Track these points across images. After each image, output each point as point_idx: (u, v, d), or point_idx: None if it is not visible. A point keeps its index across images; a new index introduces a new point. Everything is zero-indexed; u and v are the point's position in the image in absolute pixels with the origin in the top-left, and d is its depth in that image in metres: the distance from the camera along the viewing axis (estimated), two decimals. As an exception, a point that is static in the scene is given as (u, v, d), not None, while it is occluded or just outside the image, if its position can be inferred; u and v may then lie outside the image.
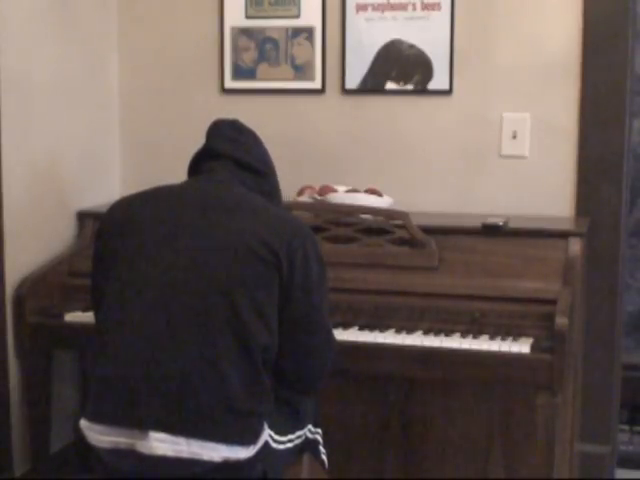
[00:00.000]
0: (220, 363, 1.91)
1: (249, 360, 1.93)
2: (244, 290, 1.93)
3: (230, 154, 2.15)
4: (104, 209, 2.20)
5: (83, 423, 1.97)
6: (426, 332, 2.53)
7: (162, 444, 1.89)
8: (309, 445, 2.23)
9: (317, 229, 2.75)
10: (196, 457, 1.90)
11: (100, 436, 1.94)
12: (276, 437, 2.04)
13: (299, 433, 2.16)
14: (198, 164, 2.20)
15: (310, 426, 2.24)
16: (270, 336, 1.97)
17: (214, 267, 1.95)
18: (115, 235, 2.06)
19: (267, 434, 2.00)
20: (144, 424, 1.90)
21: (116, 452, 1.94)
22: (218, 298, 1.93)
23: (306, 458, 2.22)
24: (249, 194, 2.10)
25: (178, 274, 1.95)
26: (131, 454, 1.92)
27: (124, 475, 1.96)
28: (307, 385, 2.16)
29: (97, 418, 1.95)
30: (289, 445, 2.11)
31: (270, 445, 2.02)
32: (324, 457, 2.29)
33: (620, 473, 3.27)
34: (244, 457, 1.93)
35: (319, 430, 2.29)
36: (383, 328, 2.56)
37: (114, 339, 1.96)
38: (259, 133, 2.28)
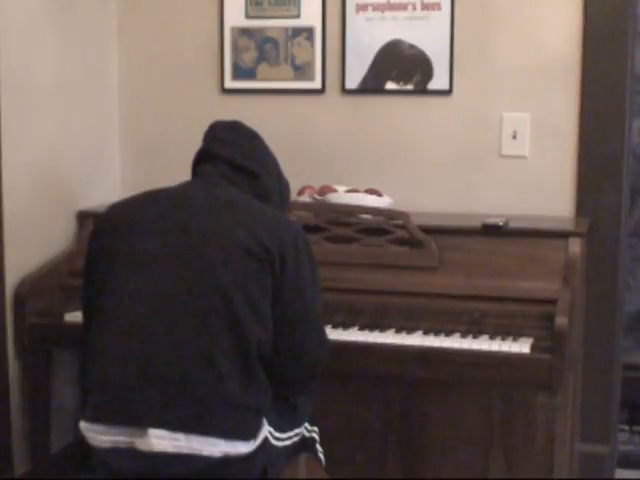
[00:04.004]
0: (216, 358, 1.92)
1: (245, 355, 1.95)
2: (238, 286, 1.95)
3: (223, 156, 2.17)
4: (104, 209, 2.20)
5: (83, 425, 1.98)
6: (426, 332, 2.53)
7: (161, 441, 1.90)
8: (306, 443, 2.25)
9: (317, 229, 2.76)
10: (196, 452, 1.91)
11: (100, 436, 1.95)
12: (276, 434, 2.06)
13: (297, 431, 2.18)
14: (196, 167, 2.23)
15: (307, 424, 2.26)
16: (264, 331, 1.99)
17: (208, 264, 1.96)
18: (111, 236, 2.07)
19: (267, 430, 2.02)
20: (142, 421, 1.91)
21: (116, 451, 1.94)
22: (213, 294, 1.94)
23: (303, 457, 2.23)
24: (241, 195, 2.12)
25: (173, 272, 1.97)
26: (131, 452, 1.93)
27: (125, 474, 1.96)
28: (299, 383, 2.16)
29: (96, 418, 1.96)
30: (288, 442, 2.12)
31: (270, 442, 2.03)
32: (321, 455, 2.32)
33: (620, 473, 3.27)
34: (244, 452, 1.94)
35: (315, 428, 2.31)
36: (383, 328, 2.56)
37: (111, 338, 1.97)
38: (259, 133, 2.28)
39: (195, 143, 2.27)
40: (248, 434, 1.95)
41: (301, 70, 3.25)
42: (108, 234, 2.08)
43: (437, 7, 3.09)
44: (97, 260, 2.08)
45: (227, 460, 1.93)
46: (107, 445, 1.95)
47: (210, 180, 2.14)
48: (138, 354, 1.94)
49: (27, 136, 2.92)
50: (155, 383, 1.92)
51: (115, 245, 2.04)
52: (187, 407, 1.91)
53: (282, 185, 2.29)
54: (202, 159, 2.21)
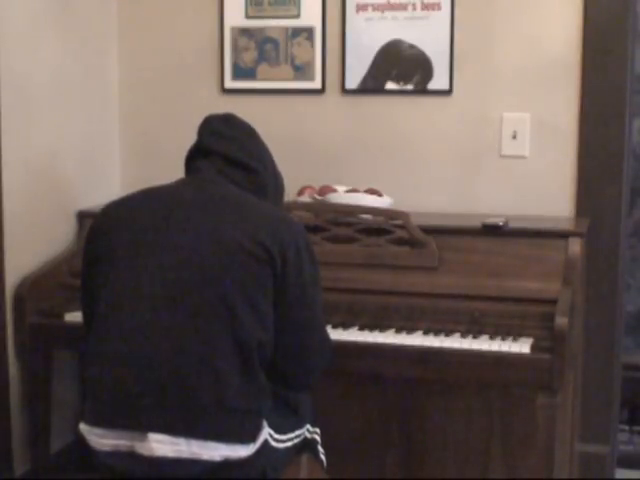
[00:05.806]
0: (217, 362, 1.91)
1: (245, 358, 1.93)
2: (238, 288, 1.93)
3: (218, 150, 2.13)
4: (100, 209, 2.18)
5: (83, 427, 1.97)
6: (426, 332, 2.53)
7: (162, 445, 1.89)
8: (308, 445, 2.24)
9: (317, 229, 2.76)
10: (196, 457, 1.90)
11: (100, 439, 1.95)
12: (276, 436, 2.05)
13: (298, 432, 2.17)
14: (190, 162, 2.19)
15: (308, 425, 2.25)
16: (265, 333, 1.97)
17: (208, 266, 1.94)
18: (108, 236, 2.04)
19: (267, 432, 2.00)
20: (143, 426, 1.90)
21: (117, 455, 1.94)
22: (213, 297, 1.92)
23: (304, 458, 2.22)
24: (239, 192, 2.09)
25: (172, 275, 1.95)
26: (131, 456, 1.92)
27: (126, 477, 1.96)
28: (300, 383, 2.15)
29: (96, 421, 1.95)
30: (288, 444, 2.11)
31: (270, 444, 2.02)
32: (323, 457, 2.30)
33: (620, 473, 3.27)
34: (244, 455, 1.93)
35: (317, 429, 2.30)
36: (383, 328, 2.56)
37: (110, 341, 1.96)
38: (259, 133, 2.28)
39: (195, 143, 2.27)
40: (248, 437, 1.94)
41: (301, 70, 3.25)
42: (104, 235, 2.05)
43: (437, 7, 3.09)
44: (94, 261, 2.05)
45: (227, 463, 1.92)
46: (107, 448, 1.94)
47: (207, 177, 2.10)
48: (138, 357, 1.92)
49: (27, 136, 2.92)
50: (155, 387, 1.90)
51: (112, 246, 2.02)
52: (187, 411, 1.90)
53: (277, 181, 2.25)
54: (197, 154, 2.17)
